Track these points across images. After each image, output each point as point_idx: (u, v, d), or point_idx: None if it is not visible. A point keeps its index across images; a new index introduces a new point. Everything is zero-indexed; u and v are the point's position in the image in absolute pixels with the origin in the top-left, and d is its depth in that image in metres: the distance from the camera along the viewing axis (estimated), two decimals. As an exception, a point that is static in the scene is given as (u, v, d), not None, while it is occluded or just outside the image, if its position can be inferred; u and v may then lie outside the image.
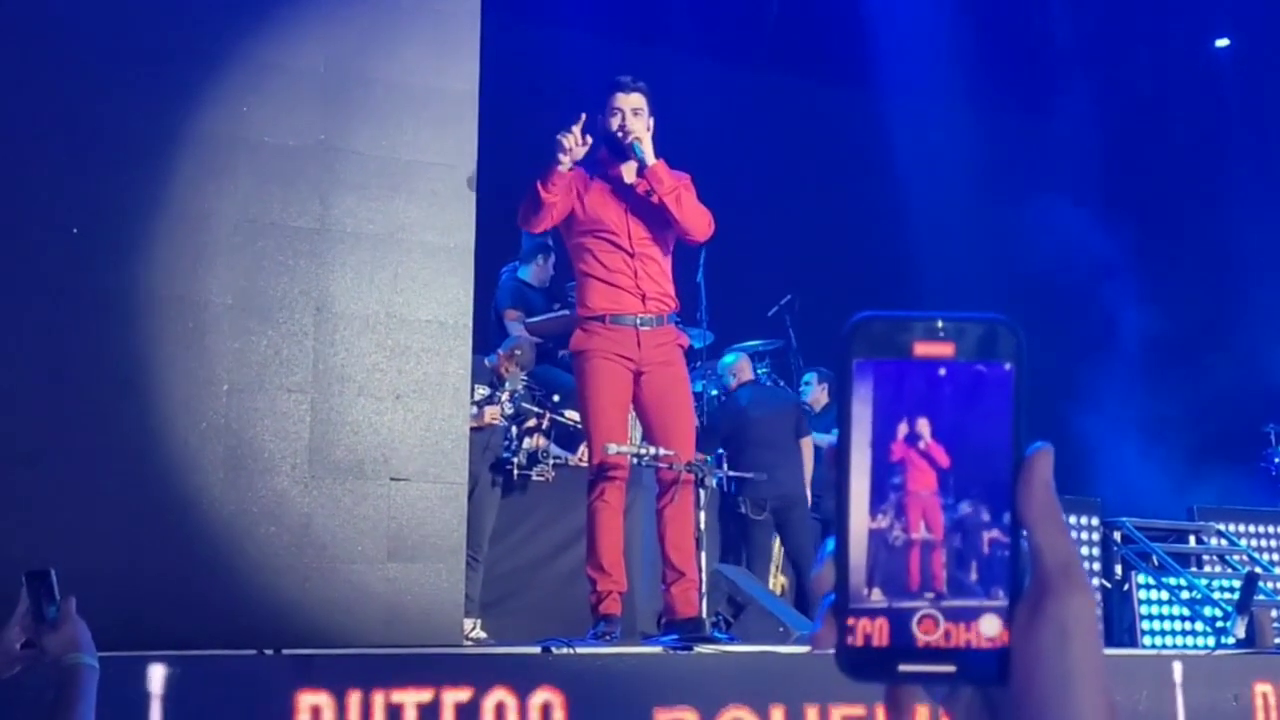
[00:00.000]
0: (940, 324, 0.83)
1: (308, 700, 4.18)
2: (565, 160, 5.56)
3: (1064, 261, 12.65)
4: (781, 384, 9.70)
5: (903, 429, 0.82)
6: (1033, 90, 12.78)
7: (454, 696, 4.37)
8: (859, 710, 4.82)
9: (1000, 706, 0.84)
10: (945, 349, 0.83)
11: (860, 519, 0.83)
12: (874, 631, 0.82)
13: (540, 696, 4.48)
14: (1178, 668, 5.75)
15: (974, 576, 0.82)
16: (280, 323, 4.99)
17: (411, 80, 5.37)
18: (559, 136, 5.55)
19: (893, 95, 12.02)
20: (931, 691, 0.86)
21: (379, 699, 4.27)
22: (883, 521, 0.82)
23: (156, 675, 4.02)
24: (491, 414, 6.95)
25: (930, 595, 0.82)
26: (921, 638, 0.82)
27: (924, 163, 11.68)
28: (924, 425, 0.82)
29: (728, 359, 9.03)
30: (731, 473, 8.35)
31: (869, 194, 11.81)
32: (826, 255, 11.60)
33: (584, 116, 5.60)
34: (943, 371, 0.83)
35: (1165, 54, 12.81)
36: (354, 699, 4.24)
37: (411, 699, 4.32)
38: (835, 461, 0.83)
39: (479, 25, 5.54)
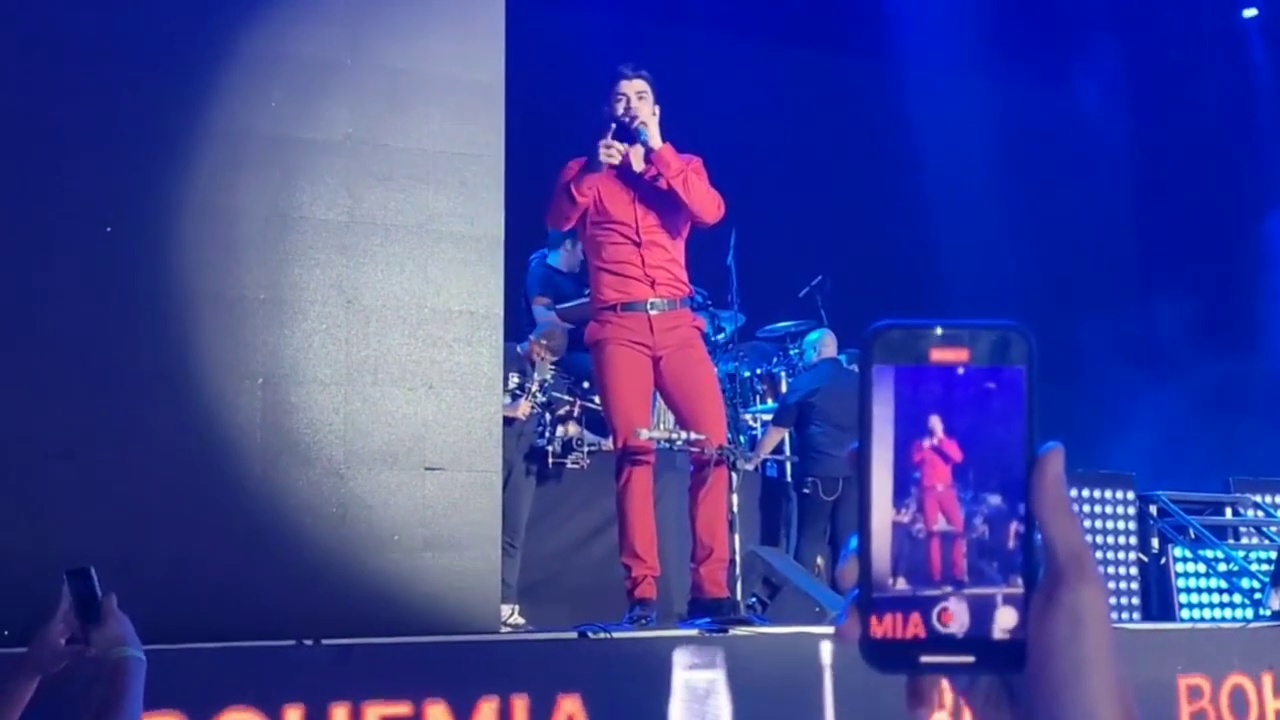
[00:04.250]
0: (955, 331, 0.87)
1: None
2: (603, 166, 5.68)
3: (1094, 236, 12.61)
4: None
5: (920, 428, 0.87)
6: (1059, 61, 12.71)
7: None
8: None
9: (1018, 694, 0.88)
10: (960, 354, 0.87)
11: (882, 514, 0.87)
12: (896, 624, 0.86)
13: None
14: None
15: (993, 565, 0.86)
16: (312, 316, 5.03)
17: (437, 71, 5.39)
18: (602, 144, 5.66)
19: (918, 70, 11.97)
20: (952, 681, 0.90)
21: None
22: (905, 515, 0.87)
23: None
24: (525, 407, 6.98)
25: (952, 583, 0.86)
26: (941, 629, 0.86)
27: (951, 137, 11.64)
28: (937, 423, 0.86)
29: (814, 335, 9.00)
30: (770, 456, 8.37)
31: (898, 171, 11.77)
32: (857, 234, 11.58)
33: (614, 126, 5.69)
34: (958, 376, 0.87)
35: (1193, 24, 12.71)
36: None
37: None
38: (856, 463, 0.87)
39: (503, 14, 5.56)
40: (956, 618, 0.86)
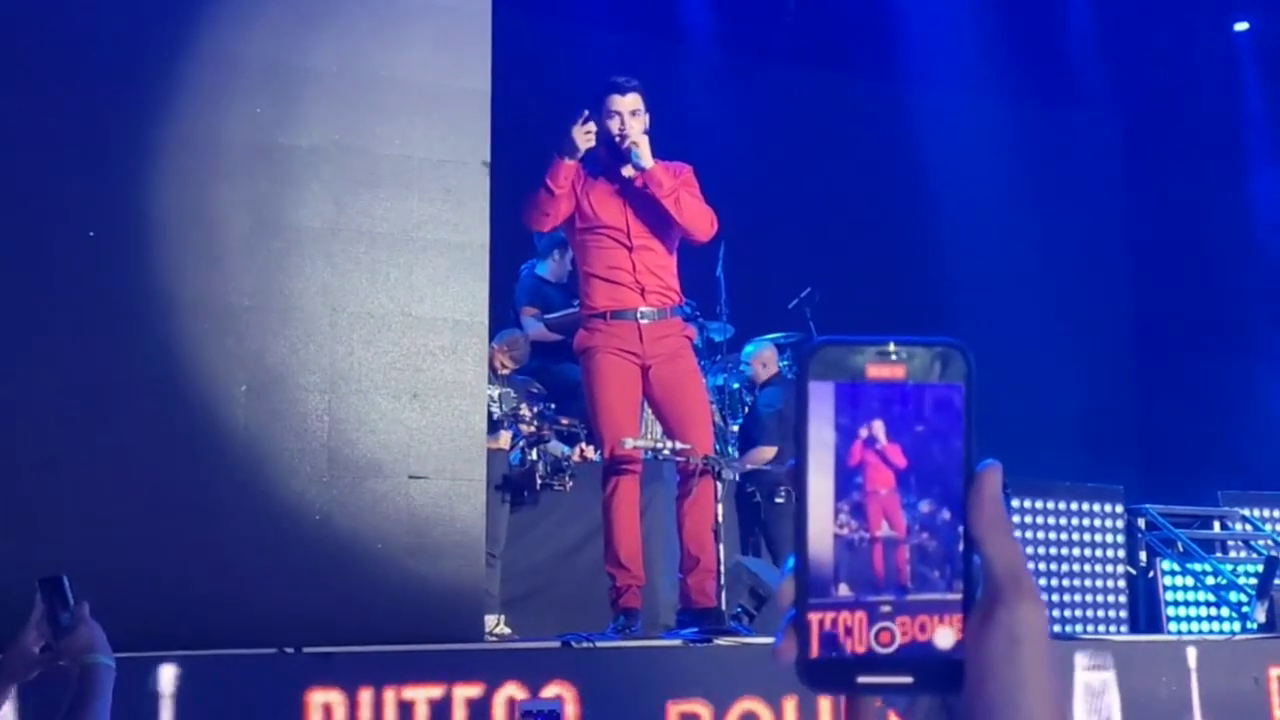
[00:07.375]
0: (892, 348, 0.86)
1: (319, 698, 4.23)
2: (579, 150, 5.63)
3: (1086, 253, 12.61)
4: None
5: (858, 442, 0.86)
6: (1053, 79, 12.72)
7: (464, 692, 4.42)
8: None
9: (957, 714, 0.86)
10: (897, 371, 0.86)
11: (823, 524, 0.86)
12: (833, 644, 0.85)
13: (551, 690, 4.51)
14: (1192, 653, 5.84)
15: (936, 572, 0.86)
16: (297, 323, 5.02)
17: (423, 79, 5.39)
18: (573, 128, 5.60)
19: (912, 87, 11.98)
20: (891, 701, 0.89)
21: (390, 695, 4.31)
22: (845, 527, 0.86)
23: (167, 675, 4.02)
24: (506, 438, 6.96)
25: (895, 589, 0.85)
26: (879, 649, 0.85)
27: (943, 154, 11.64)
28: (880, 428, 0.86)
29: (750, 348, 8.81)
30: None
31: (888, 185, 11.77)
32: (847, 247, 11.57)
33: (587, 113, 5.65)
34: (896, 392, 0.86)
35: (1184, 38, 12.73)
36: (365, 696, 4.28)
37: (423, 695, 4.36)
38: (794, 480, 0.87)
39: (490, 22, 5.56)
40: (894, 637, 0.85)
